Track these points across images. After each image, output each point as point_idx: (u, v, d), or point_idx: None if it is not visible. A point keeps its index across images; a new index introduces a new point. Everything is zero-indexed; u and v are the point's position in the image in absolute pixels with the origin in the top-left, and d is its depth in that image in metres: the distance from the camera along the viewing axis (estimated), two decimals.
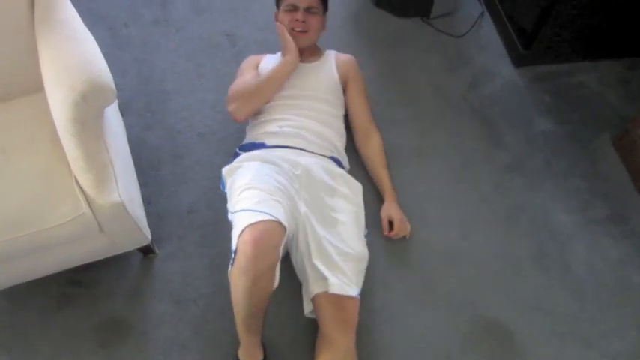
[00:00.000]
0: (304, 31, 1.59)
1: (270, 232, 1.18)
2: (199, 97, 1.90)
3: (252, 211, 1.22)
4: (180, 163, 1.75)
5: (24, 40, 1.35)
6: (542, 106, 1.96)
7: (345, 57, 1.72)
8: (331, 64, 1.68)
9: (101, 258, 1.44)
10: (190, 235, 1.62)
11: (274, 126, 1.53)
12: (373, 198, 1.67)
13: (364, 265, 1.44)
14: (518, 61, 2.03)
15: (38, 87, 1.36)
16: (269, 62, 1.65)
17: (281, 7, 1.61)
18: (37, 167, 1.27)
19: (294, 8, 1.57)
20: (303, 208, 1.39)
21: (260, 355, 1.35)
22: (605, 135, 1.89)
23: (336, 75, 1.66)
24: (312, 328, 1.43)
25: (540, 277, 1.61)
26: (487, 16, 2.19)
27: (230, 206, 1.38)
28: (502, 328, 1.52)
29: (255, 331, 1.30)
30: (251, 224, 1.18)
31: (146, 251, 1.56)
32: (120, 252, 1.45)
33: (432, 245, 1.65)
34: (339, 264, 1.35)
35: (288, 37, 1.57)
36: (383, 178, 1.66)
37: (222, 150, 1.78)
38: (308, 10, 1.57)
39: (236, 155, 1.54)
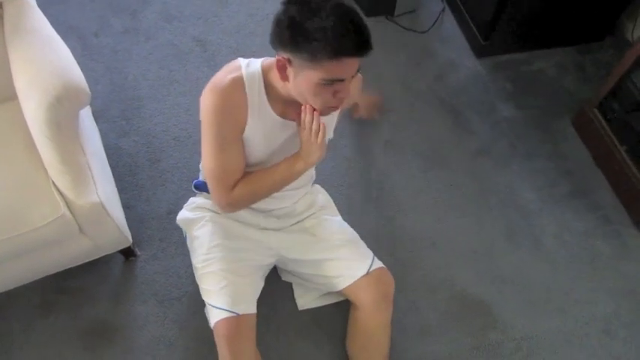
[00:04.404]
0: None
1: (241, 325, 1.24)
2: (173, 101, 1.92)
3: (220, 309, 1.24)
4: (157, 167, 1.77)
5: None
6: (504, 93, 2.06)
7: (356, 84, 1.33)
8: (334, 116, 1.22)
9: (83, 262, 1.44)
10: (171, 235, 1.64)
11: None
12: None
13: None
14: (479, 52, 2.13)
15: (10, 95, 1.37)
16: (257, 131, 1.12)
17: (307, 73, 0.96)
18: (13, 173, 1.27)
19: (338, 81, 0.97)
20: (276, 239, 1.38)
21: None
22: (564, 117, 1.99)
23: (335, 122, 1.26)
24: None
25: (513, 253, 1.68)
26: (448, 12, 2.28)
27: (196, 277, 1.35)
28: (480, 303, 1.58)
29: None
30: (223, 319, 1.23)
31: (127, 254, 1.57)
32: (101, 255, 1.46)
33: (407, 230, 1.70)
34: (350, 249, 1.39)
35: (321, 139, 1.06)
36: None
37: (198, 152, 1.78)
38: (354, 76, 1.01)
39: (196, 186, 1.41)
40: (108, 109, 1.88)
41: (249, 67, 1.09)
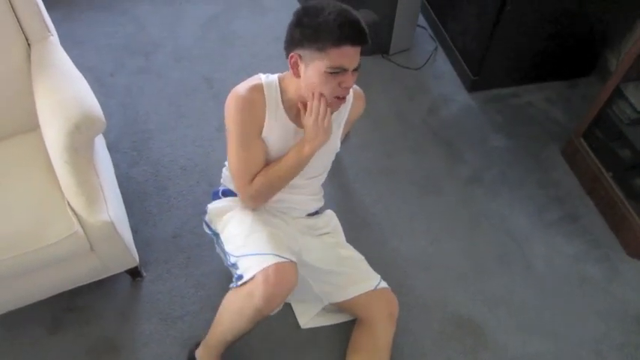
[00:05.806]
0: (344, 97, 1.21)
1: (291, 271, 1.23)
2: (181, 134, 2.05)
3: (272, 254, 1.22)
4: (165, 194, 1.88)
5: (21, 84, 1.50)
6: (495, 125, 2.16)
7: (360, 102, 1.46)
8: (342, 120, 1.40)
9: (92, 281, 1.53)
10: (176, 257, 1.72)
11: None
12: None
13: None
14: (470, 86, 2.25)
15: (33, 126, 1.51)
16: (273, 132, 1.28)
17: (316, 64, 1.12)
18: (31, 193, 1.38)
19: (342, 71, 1.14)
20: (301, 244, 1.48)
21: None
22: (553, 146, 2.09)
23: (341, 133, 1.42)
24: None
25: (504, 276, 1.73)
26: (440, 50, 2.43)
27: (233, 250, 1.33)
28: (472, 324, 1.62)
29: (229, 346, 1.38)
30: (277, 263, 1.20)
31: (134, 274, 1.65)
32: (110, 274, 1.54)
33: (402, 253, 1.77)
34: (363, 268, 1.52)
35: (328, 122, 1.21)
36: None
37: (204, 180, 1.92)
38: (355, 70, 1.17)
39: (216, 196, 1.51)
40: (120, 142, 2.02)
41: (268, 77, 1.28)
